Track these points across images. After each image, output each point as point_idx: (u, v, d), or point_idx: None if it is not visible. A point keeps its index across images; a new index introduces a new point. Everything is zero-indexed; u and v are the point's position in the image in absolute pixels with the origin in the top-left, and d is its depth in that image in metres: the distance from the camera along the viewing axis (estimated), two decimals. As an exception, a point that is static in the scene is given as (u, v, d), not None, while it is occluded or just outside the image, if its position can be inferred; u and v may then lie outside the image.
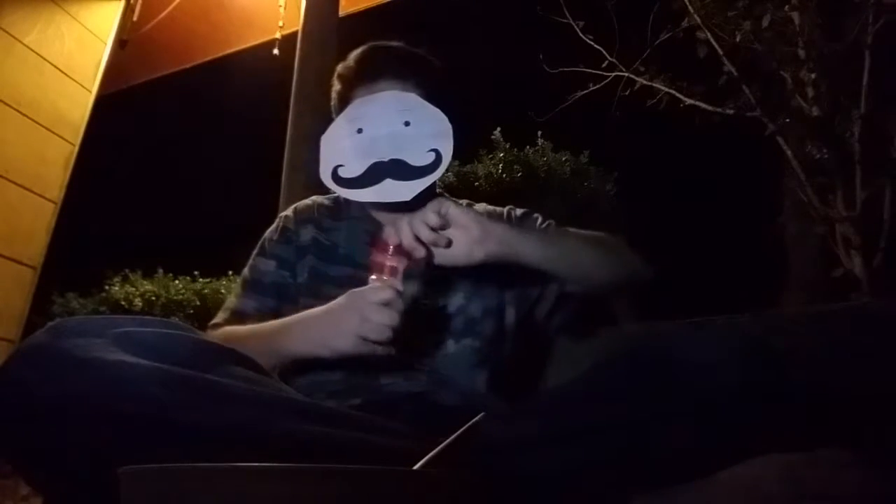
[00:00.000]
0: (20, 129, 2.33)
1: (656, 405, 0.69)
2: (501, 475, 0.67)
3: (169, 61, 3.58)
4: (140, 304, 5.11)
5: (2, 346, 2.19)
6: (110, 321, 0.66)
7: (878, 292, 2.86)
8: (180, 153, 10.31)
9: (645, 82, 3.81)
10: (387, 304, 0.81)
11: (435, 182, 0.99)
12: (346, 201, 1.14)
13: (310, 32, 2.84)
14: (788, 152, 3.27)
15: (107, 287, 5.42)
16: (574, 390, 0.77)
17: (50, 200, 2.44)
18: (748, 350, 0.71)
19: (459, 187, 4.86)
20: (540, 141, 5.36)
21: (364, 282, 0.97)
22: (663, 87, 3.73)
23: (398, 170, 0.96)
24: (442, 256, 0.86)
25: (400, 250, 0.84)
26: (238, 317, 1.04)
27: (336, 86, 1.12)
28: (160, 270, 5.52)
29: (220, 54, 3.55)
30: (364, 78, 1.06)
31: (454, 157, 0.99)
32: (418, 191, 0.95)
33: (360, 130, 1.00)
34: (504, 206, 1.18)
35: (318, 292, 1.02)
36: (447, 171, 1.03)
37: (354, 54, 1.12)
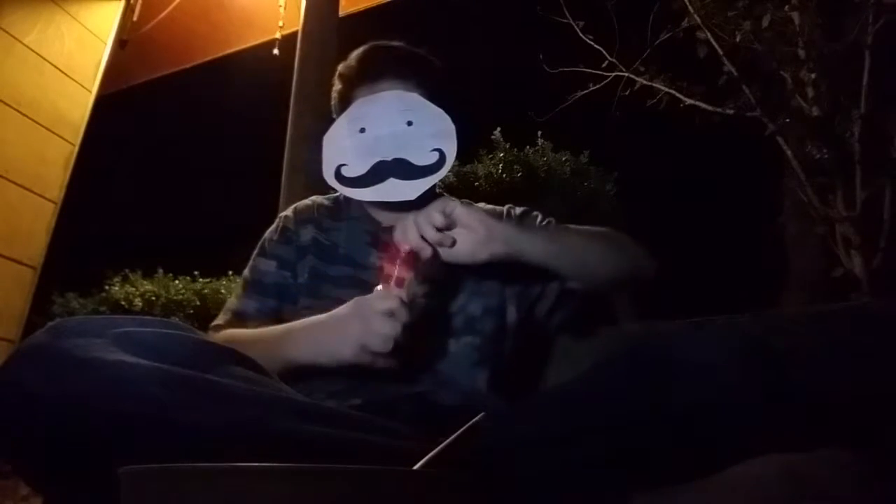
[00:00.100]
0: (20, 129, 2.33)
1: (656, 405, 0.69)
2: (501, 475, 0.67)
3: (169, 61, 3.58)
4: (140, 304, 5.11)
5: (2, 346, 2.19)
6: (110, 321, 0.65)
7: (878, 292, 2.86)
8: (180, 153, 10.31)
9: (645, 82, 3.81)
10: (391, 313, 0.81)
11: (435, 182, 0.99)
12: (346, 201, 1.14)
13: (310, 32, 2.84)
14: (788, 152, 3.27)
15: (107, 287, 5.42)
16: (574, 390, 0.77)
17: (50, 200, 2.44)
18: (748, 350, 0.71)
19: (459, 187, 4.86)
20: (540, 141, 5.36)
21: (364, 281, 0.97)
22: (663, 87, 3.73)
23: (402, 169, 0.96)
24: (446, 255, 0.86)
25: (407, 258, 0.84)
26: (239, 318, 1.04)
27: (337, 85, 1.12)
28: (160, 270, 5.51)
29: (220, 54, 3.55)
30: (366, 77, 1.06)
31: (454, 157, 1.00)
32: (422, 190, 0.95)
33: (362, 130, 1.00)
34: (504, 206, 1.18)
35: (318, 292, 1.02)
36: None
37: (356, 54, 1.12)
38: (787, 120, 3.25)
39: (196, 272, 5.46)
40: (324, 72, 2.37)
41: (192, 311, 5.03)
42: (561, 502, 0.71)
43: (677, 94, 3.67)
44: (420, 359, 0.96)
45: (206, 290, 5.22)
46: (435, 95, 1.03)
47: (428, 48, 1.13)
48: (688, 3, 3.44)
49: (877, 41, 3.01)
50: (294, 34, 2.96)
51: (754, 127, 3.36)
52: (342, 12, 3.02)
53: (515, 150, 5.27)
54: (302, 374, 0.90)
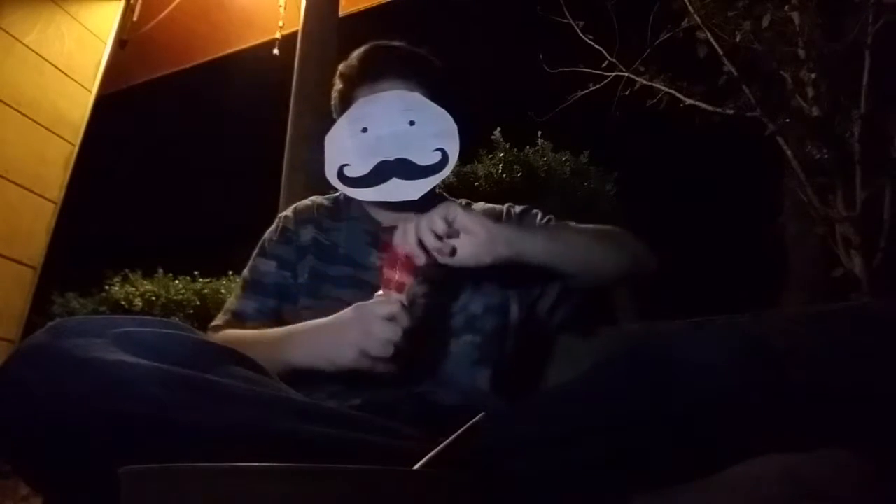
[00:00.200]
0: (20, 129, 2.33)
1: (656, 405, 0.69)
2: (501, 475, 0.67)
3: (169, 61, 3.58)
4: (140, 304, 5.11)
5: (2, 346, 2.19)
6: (110, 321, 0.65)
7: (878, 292, 2.86)
8: (180, 153, 10.31)
9: (645, 82, 3.81)
10: (392, 318, 0.81)
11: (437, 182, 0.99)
12: (346, 201, 1.14)
13: (310, 32, 2.84)
14: (788, 152, 3.27)
15: (107, 287, 5.42)
16: (574, 390, 0.77)
17: (50, 200, 2.44)
18: (748, 350, 0.71)
19: (459, 187, 4.85)
20: (540, 141, 5.35)
21: (364, 282, 0.97)
22: (663, 87, 3.73)
23: (404, 169, 0.96)
24: (448, 259, 0.86)
25: (407, 262, 0.84)
26: (239, 318, 1.03)
27: (338, 85, 1.12)
28: (160, 270, 5.51)
29: (220, 54, 3.55)
30: (367, 77, 1.06)
31: (454, 157, 0.99)
32: (425, 190, 0.95)
33: (364, 130, 1.00)
34: (504, 205, 1.18)
35: (319, 293, 1.02)
36: (447, 171, 1.04)
37: (357, 53, 1.12)
38: (787, 120, 3.25)
39: (196, 272, 5.46)
40: (324, 72, 2.37)
41: (192, 311, 5.03)
42: (561, 502, 0.71)
43: (677, 94, 3.67)
44: (421, 361, 0.96)
45: (206, 290, 5.22)
46: (436, 95, 1.03)
47: (428, 48, 1.13)
48: (688, 3, 3.44)
49: (877, 41, 3.01)
50: (294, 34, 2.96)
51: (754, 127, 3.36)
52: (342, 12, 3.02)
53: (515, 150, 5.26)
54: (301, 376, 0.90)
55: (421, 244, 0.84)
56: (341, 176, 0.98)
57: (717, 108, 3.51)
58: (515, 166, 5.10)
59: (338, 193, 1.15)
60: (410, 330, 0.82)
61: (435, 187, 1.07)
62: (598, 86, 4.08)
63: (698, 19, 3.40)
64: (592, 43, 4.04)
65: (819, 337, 0.97)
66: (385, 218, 1.07)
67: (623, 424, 0.70)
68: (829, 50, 3.10)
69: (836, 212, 3.07)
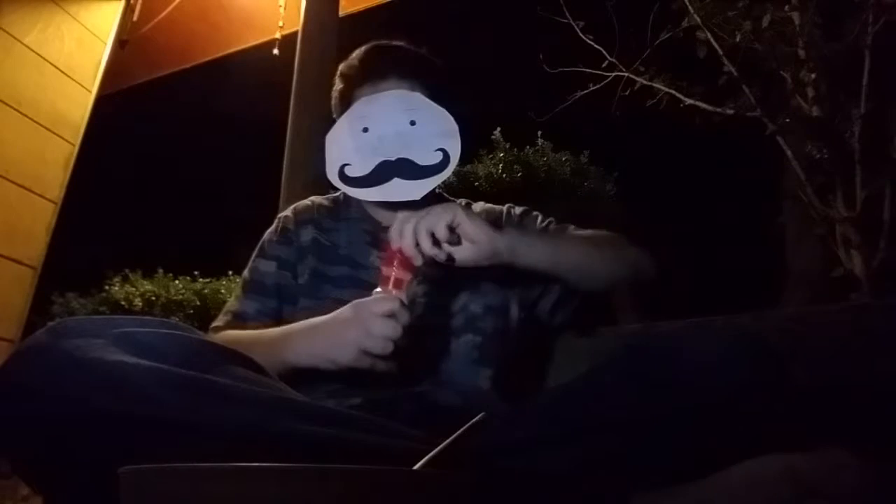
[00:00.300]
0: (20, 129, 2.33)
1: (656, 405, 0.69)
2: (501, 475, 0.67)
3: (169, 61, 3.58)
4: (140, 304, 5.11)
5: (2, 346, 2.19)
6: (110, 321, 0.65)
7: (878, 292, 2.86)
8: (180, 153, 10.31)
9: (645, 82, 3.81)
10: (391, 315, 0.80)
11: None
12: (346, 201, 1.14)
13: (310, 32, 2.84)
14: (788, 152, 3.27)
15: (107, 287, 5.42)
16: (574, 390, 0.77)
17: (50, 200, 2.44)
18: (748, 350, 0.71)
19: (459, 187, 4.85)
20: (540, 141, 5.35)
21: (364, 282, 0.97)
22: (663, 87, 3.73)
23: (406, 169, 0.96)
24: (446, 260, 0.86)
25: (407, 260, 0.84)
26: (239, 319, 1.03)
27: (338, 84, 1.12)
28: (160, 270, 5.51)
29: (220, 54, 3.54)
30: (368, 77, 1.06)
31: (455, 157, 0.99)
32: (427, 190, 0.95)
33: (365, 129, 0.99)
34: (504, 206, 1.18)
35: (319, 293, 1.02)
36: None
37: (357, 53, 1.11)
38: (787, 120, 3.25)
39: (196, 272, 5.46)
40: (324, 72, 2.37)
41: (192, 311, 5.03)
42: (561, 502, 0.71)
43: (677, 94, 3.67)
44: (420, 361, 0.96)
45: (206, 290, 5.22)
46: (436, 95, 1.02)
47: (428, 48, 1.13)
48: (688, 3, 3.43)
49: (877, 41, 3.01)
50: (294, 34, 2.95)
51: (754, 127, 3.36)
52: (342, 12, 3.01)
53: (515, 150, 5.26)
54: (301, 376, 0.90)
55: (418, 245, 0.83)
56: (342, 176, 0.98)
57: (717, 108, 3.51)
58: (515, 166, 5.10)
59: (337, 193, 1.15)
60: (410, 328, 0.82)
61: (435, 187, 1.07)
62: (598, 86, 4.08)
63: (698, 19, 3.40)
64: (592, 43, 4.04)
65: (819, 337, 0.97)
66: (385, 218, 1.07)
67: (623, 424, 0.70)
68: (829, 50, 3.10)
69: (836, 212, 3.07)
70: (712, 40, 3.38)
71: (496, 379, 1.02)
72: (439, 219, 0.83)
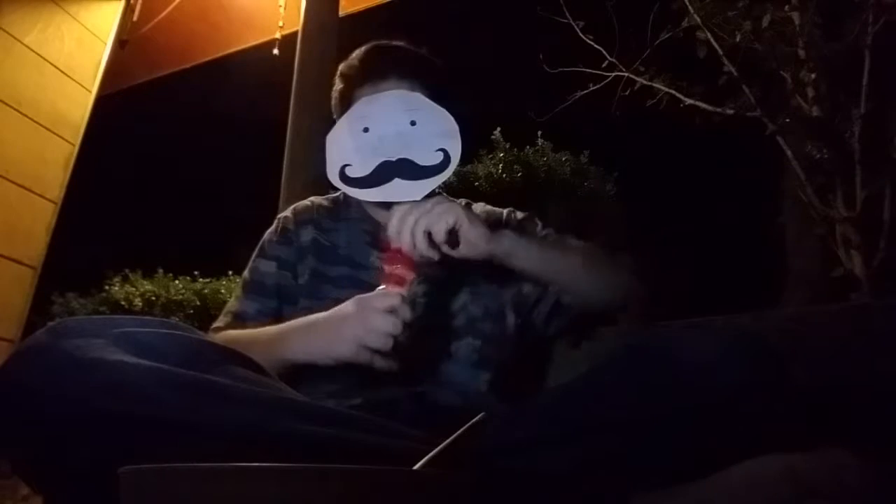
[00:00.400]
0: (20, 129, 2.33)
1: (656, 405, 0.69)
2: (501, 475, 0.67)
3: (169, 61, 3.58)
4: (140, 304, 5.11)
5: (2, 346, 2.19)
6: (110, 321, 0.65)
7: (878, 292, 2.86)
8: (180, 153, 10.31)
9: (645, 82, 3.80)
10: (392, 311, 0.81)
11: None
12: (346, 202, 1.14)
13: (310, 32, 2.84)
14: (788, 152, 3.27)
15: (107, 287, 5.41)
16: (574, 390, 0.77)
17: (50, 200, 2.44)
18: (748, 350, 0.71)
19: (459, 187, 4.85)
20: (540, 141, 5.35)
21: (364, 282, 0.97)
22: (663, 87, 3.72)
23: (406, 169, 0.96)
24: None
25: (408, 258, 0.84)
26: (240, 320, 1.03)
27: (338, 85, 1.12)
28: (160, 270, 5.51)
29: (220, 54, 3.55)
30: (368, 77, 1.06)
31: (455, 157, 1.00)
32: (428, 190, 0.95)
33: (366, 129, 0.99)
34: (504, 206, 1.18)
35: (319, 293, 1.02)
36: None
37: (357, 53, 1.11)
38: (787, 120, 3.24)
39: (196, 272, 5.46)
40: (324, 72, 2.37)
41: (192, 311, 5.02)
42: (561, 502, 0.71)
43: (677, 94, 3.66)
44: (420, 358, 0.96)
45: (206, 290, 5.21)
46: (437, 95, 1.02)
47: (428, 48, 1.13)
48: (688, 3, 3.43)
49: (877, 41, 3.01)
50: (294, 34, 2.95)
51: (754, 127, 3.36)
52: (342, 12, 3.01)
53: (515, 150, 5.26)
54: (301, 374, 0.90)
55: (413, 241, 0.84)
56: (343, 176, 0.98)
57: (717, 108, 3.51)
58: (515, 166, 5.09)
59: (337, 194, 1.15)
60: (410, 325, 0.82)
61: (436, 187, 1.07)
62: (598, 86, 4.08)
63: (698, 19, 3.40)
64: (592, 43, 4.03)
65: (819, 337, 0.97)
66: (385, 218, 1.07)
67: (623, 424, 0.70)
68: (829, 50, 3.10)
69: (836, 212, 3.07)
70: (712, 40, 3.38)
71: (495, 382, 1.02)
72: (440, 220, 0.84)
